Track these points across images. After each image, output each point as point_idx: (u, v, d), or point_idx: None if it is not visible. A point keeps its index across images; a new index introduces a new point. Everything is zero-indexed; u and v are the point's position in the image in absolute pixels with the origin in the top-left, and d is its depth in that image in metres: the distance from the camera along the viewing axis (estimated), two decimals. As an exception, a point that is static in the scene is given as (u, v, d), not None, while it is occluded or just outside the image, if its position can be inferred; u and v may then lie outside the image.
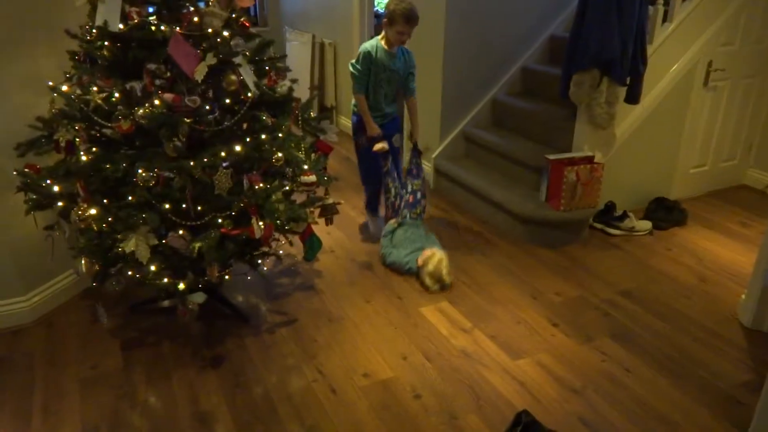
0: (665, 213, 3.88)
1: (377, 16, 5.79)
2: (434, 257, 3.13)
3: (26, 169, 2.41)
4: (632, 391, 2.40)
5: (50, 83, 2.41)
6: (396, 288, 3.13)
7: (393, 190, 3.52)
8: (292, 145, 2.55)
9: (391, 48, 3.37)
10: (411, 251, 3.25)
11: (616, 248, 3.60)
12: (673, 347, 2.68)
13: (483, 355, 2.61)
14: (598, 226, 3.79)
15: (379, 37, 3.41)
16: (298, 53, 6.29)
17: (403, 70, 3.48)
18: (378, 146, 3.45)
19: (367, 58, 3.35)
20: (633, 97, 3.50)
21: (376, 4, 5.91)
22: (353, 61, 3.44)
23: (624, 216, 3.74)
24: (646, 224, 3.79)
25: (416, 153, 3.65)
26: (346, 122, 6.03)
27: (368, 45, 3.39)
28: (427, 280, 3.10)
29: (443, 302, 3.00)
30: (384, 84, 3.46)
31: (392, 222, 3.47)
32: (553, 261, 3.43)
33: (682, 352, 2.65)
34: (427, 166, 4.62)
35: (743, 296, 2.90)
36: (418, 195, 3.55)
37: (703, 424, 2.24)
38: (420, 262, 3.17)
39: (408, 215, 3.49)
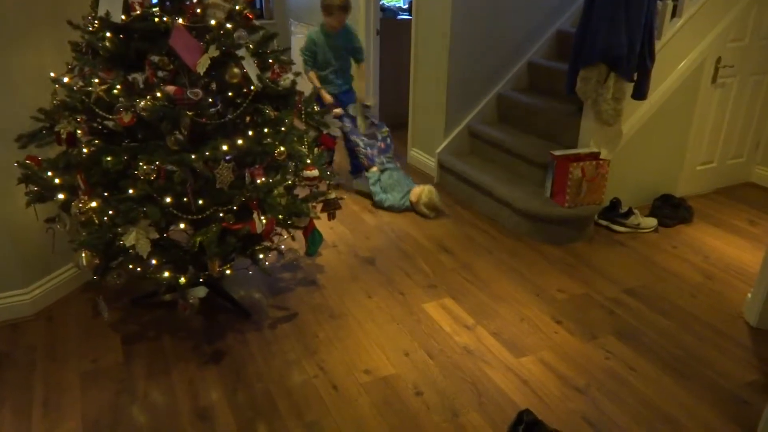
0: (671, 210, 3.84)
1: (383, 9, 5.75)
2: (424, 191, 3.85)
3: (27, 161, 2.40)
4: (636, 389, 2.38)
5: (52, 74, 2.39)
6: (398, 284, 3.11)
7: (361, 143, 4.18)
8: (295, 139, 2.53)
9: (332, 31, 4.10)
10: (404, 194, 3.96)
11: (621, 245, 3.57)
12: (678, 346, 2.65)
13: (485, 353, 2.59)
14: (604, 222, 3.76)
15: (321, 24, 4.15)
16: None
17: (345, 45, 4.18)
18: (334, 111, 4.05)
19: (311, 43, 4.15)
20: (640, 94, 3.46)
21: (381, -3, 5.87)
22: (302, 47, 4.24)
23: (629, 213, 3.71)
24: (652, 221, 3.76)
25: (365, 108, 4.30)
26: (351, 116, 6.00)
27: (312, 32, 4.21)
28: (425, 210, 3.84)
29: (446, 298, 2.98)
30: (332, 60, 4.17)
31: (374, 170, 4.09)
32: (557, 258, 3.40)
33: (687, 350, 2.62)
34: (431, 161, 4.60)
35: (749, 295, 2.87)
36: (388, 140, 4.26)
37: (708, 423, 2.21)
38: (414, 198, 3.89)
39: (385, 161, 4.17)
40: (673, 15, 3.65)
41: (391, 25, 5.60)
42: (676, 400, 2.33)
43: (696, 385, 2.41)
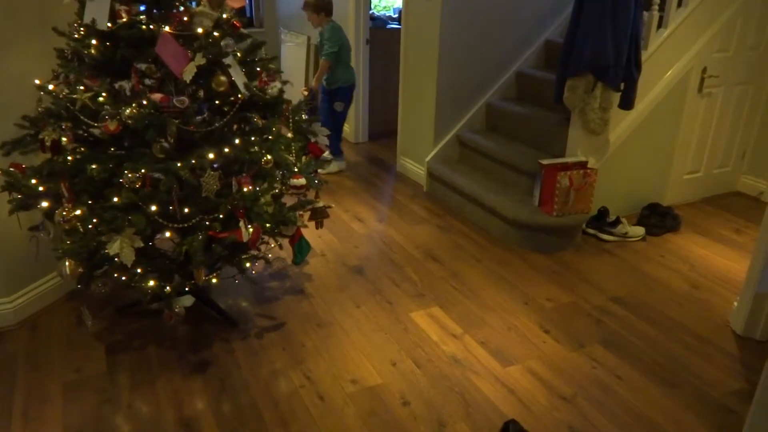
0: (658, 219, 3.86)
1: (373, 18, 5.77)
2: None
3: (11, 169, 2.37)
4: (623, 398, 2.38)
5: (37, 81, 2.37)
6: (386, 293, 3.10)
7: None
8: (282, 147, 2.52)
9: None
10: None
11: (608, 254, 3.58)
12: (665, 355, 2.66)
13: (473, 362, 2.58)
14: (591, 231, 3.78)
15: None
16: (293, 55, 6.26)
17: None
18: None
19: (343, 35, 4.66)
20: (627, 103, 3.49)
21: (372, 6, 5.90)
22: (328, 36, 4.58)
23: (617, 222, 3.72)
24: (639, 230, 3.78)
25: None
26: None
27: (336, 26, 4.62)
28: None
29: (434, 307, 2.97)
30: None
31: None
32: (545, 266, 3.41)
33: (673, 359, 2.63)
34: (420, 170, 4.61)
35: (735, 303, 2.89)
36: None
37: (695, 433, 2.22)
38: None
39: None
40: (660, 26, 3.68)
41: (380, 34, 5.61)
42: (663, 408, 2.33)
43: (682, 394, 2.41)
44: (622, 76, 3.34)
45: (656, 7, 3.56)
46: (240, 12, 2.52)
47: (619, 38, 3.23)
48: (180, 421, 2.21)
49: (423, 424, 2.22)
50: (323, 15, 4.54)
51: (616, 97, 3.45)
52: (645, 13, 3.45)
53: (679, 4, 3.70)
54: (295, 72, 6.07)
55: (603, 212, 3.75)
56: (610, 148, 3.70)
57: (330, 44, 4.53)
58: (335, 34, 4.55)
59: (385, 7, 7.26)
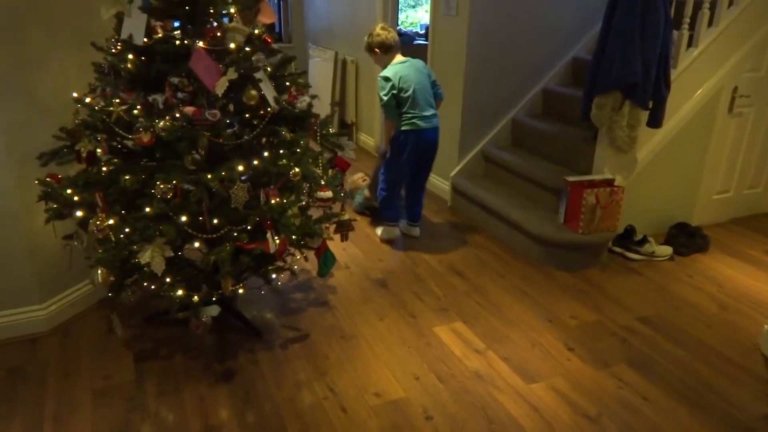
0: (687, 239, 3.81)
1: (400, 34, 5.82)
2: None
3: (48, 179, 2.44)
4: (649, 419, 2.34)
5: (75, 94, 2.45)
6: (410, 306, 3.10)
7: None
8: (310, 160, 2.56)
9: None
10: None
11: (635, 273, 3.54)
12: (692, 376, 2.61)
13: (496, 378, 2.57)
14: (618, 250, 3.74)
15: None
16: (320, 69, 6.35)
17: None
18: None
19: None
20: (655, 121, 3.46)
21: (399, 22, 5.95)
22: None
23: (644, 240, 3.69)
24: (667, 249, 3.73)
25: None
26: (366, 139, 6.05)
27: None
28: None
29: (457, 322, 2.97)
30: None
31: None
32: (570, 284, 3.38)
33: (701, 381, 2.58)
34: (444, 185, 4.62)
35: (766, 326, 2.83)
36: None
37: (723, 457, 2.18)
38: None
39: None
40: (690, 44, 3.66)
41: (407, 51, 5.63)
42: (689, 431, 2.29)
43: (710, 417, 2.37)
44: (651, 94, 3.33)
45: (686, 25, 3.54)
46: (270, 27, 2.58)
47: (647, 56, 3.22)
48: (205, 429, 2.24)
49: (445, 440, 2.22)
50: (380, 54, 3.64)
51: (645, 115, 3.43)
52: (675, 32, 3.43)
53: (710, 24, 3.68)
54: (322, 87, 6.15)
55: (630, 231, 3.71)
56: (638, 166, 3.67)
57: (381, 94, 3.59)
58: (388, 79, 3.56)
59: (412, 24, 7.32)
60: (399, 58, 3.65)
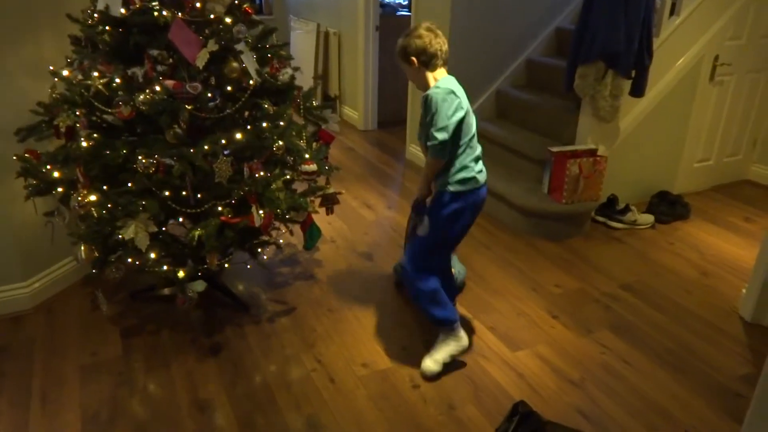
0: (668, 207, 3.86)
1: (383, 5, 5.76)
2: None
3: (26, 155, 2.40)
4: (631, 383, 2.40)
5: (51, 68, 2.40)
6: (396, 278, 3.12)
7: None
8: (293, 133, 2.54)
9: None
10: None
11: (618, 241, 3.59)
12: (673, 340, 2.67)
13: (482, 347, 2.60)
14: (601, 219, 3.78)
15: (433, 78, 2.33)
16: (302, 42, 6.27)
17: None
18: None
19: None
20: (638, 91, 3.48)
21: (380, -7, 5.87)
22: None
23: (626, 209, 3.73)
24: (649, 218, 3.78)
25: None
26: (350, 112, 6.02)
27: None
28: None
29: (443, 293, 2.99)
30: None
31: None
32: (554, 253, 3.42)
33: (682, 345, 2.64)
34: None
35: (744, 290, 2.89)
36: None
37: (702, 416, 2.23)
38: None
39: None
40: (672, 13, 3.66)
41: (390, 21, 5.60)
42: (671, 393, 2.35)
43: (690, 379, 2.43)
44: (633, 63, 3.33)
45: (668, -7, 3.55)
46: (250, -2, 2.53)
47: (630, 25, 3.22)
48: (194, 403, 2.25)
49: (433, 407, 2.25)
50: (417, 66, 2.29)
51: (627, 84, 3.44)
52: (657, 0, 3.43)
53: (692, -9, 3.69)
54: (304, 60, 6.08)
55: (612, 200, 3.75)
56: (620, 136, 3.70)
57: (438, 125, 2.19)
58: (445, 104, 2.19)
59: (394, -5, 7.23)
60: (443, 73, 2.36)
